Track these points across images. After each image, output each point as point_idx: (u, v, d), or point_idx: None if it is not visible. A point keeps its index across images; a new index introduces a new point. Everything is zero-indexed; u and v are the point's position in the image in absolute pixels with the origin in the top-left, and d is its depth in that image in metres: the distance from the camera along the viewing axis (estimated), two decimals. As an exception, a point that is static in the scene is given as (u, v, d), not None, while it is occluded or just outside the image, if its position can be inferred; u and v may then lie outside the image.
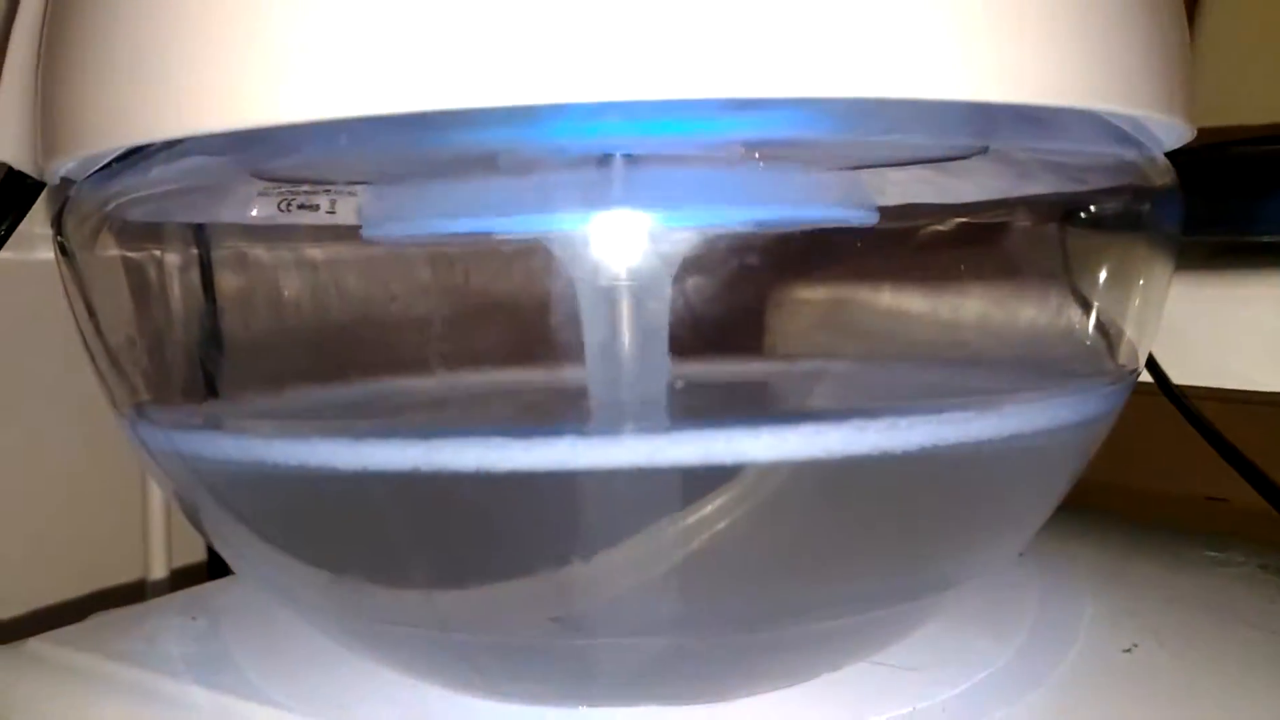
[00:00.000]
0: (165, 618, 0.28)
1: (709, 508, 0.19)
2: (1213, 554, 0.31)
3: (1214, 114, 0.24)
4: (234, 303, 0.23)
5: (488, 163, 0.20)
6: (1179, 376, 0.30)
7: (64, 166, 0.22)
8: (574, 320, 0.20)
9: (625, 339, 0.20)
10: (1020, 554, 0.30)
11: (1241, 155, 0.31)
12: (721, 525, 0.20)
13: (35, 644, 0.26)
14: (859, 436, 0.20)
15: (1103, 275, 0.24)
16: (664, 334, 0.20)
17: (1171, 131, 0.23)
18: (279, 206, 0.23)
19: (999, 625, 0.26)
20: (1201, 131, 0.24)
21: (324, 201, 0.24)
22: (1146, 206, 0.22)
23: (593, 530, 0.20)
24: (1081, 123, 0.21)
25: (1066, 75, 0.19)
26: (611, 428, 0.19)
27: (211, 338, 0.23)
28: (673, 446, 0.19)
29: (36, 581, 0.36)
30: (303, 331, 0.23)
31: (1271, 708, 0.23)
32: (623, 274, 0.20)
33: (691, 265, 0.20)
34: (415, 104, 0.17)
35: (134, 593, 0.38)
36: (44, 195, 0.26)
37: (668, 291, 0.20)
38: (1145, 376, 0.29)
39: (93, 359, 0.24)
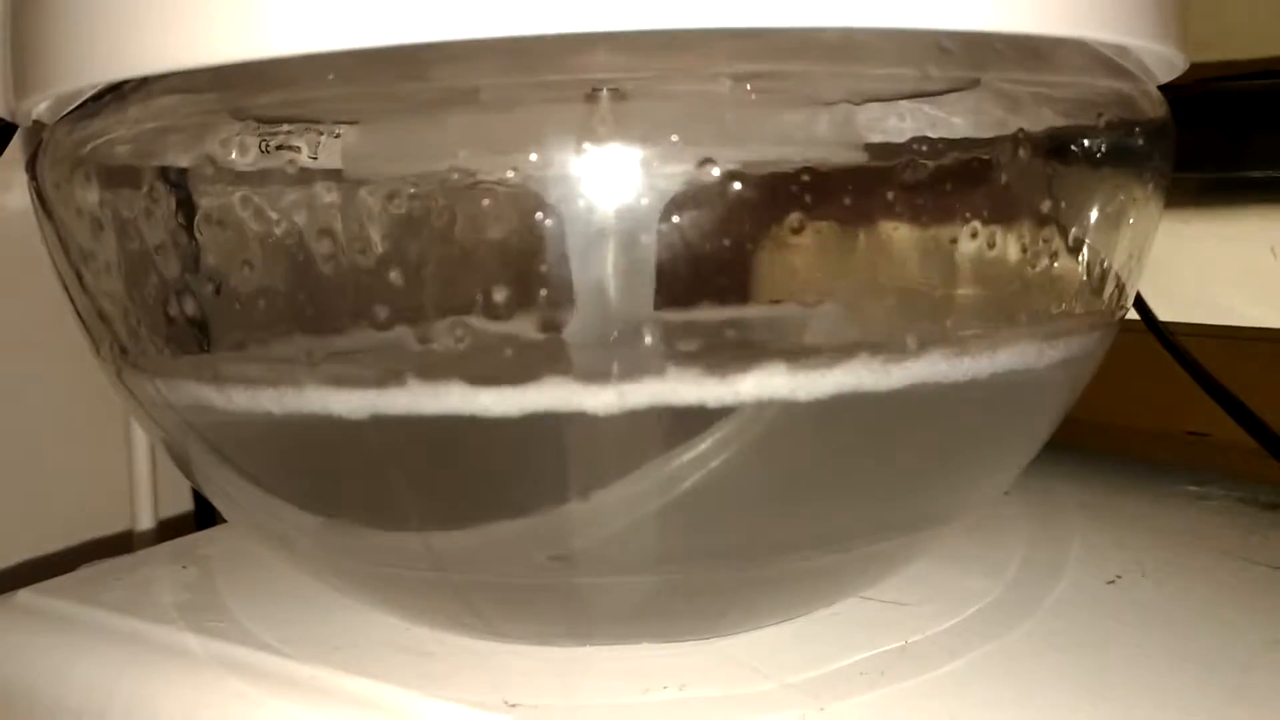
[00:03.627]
0: (156, 567, 0.28)
1: (698, 447, 0.19)
2: (1193, 489, 0.31)
3: (1199, 49, 0.24)
4: (216, 248, 0.23)
5: (471, 99, 0.20)
6: (1165, 313, 0.30)
7: (37, 107, 0.21)
8: (561, 259, 0.19)
9: (613, 278, 0.20)
10: (1005, 492, 0.30)
11: (1227, 90, 0.30)
12: (712, 463, 0.20)
13: (26, 595, 0.26)
14: (847, 376, 0.20)
15: (1093, 211, 0.24)
16: (652, 273, 0.20)
17: (1164, 64, 0.22)
18: (260, 148, 0.23)
19: (988, 562, 0.26)
20: (1187, 67, 0.24)
21: (305, 144, 0.23)
22: (1139, 140, 0.22)
23: (582, 471, 0.20)
24: (1074, 54, 0.21)
25: (1059, 4, 0.18)
26: (599, 369, 0.19)
27: (193, 284, 0.23)
28: (662, 386, 0.19)
29: (21, 534, 0.36)
30: (286, 277, 0.22)
31: (1246, 631, 0.23)
32: (610, 211, 0.19)
33: (680, 203, 0.20)
34: (399, 36, 0.16)
35: (121, 544, 0.38)
36: (18, 138, 0.26)
37: (655, 229, 0.20)
38: (1131, 314, 0.29)
39: (74, 306, 0.23)
